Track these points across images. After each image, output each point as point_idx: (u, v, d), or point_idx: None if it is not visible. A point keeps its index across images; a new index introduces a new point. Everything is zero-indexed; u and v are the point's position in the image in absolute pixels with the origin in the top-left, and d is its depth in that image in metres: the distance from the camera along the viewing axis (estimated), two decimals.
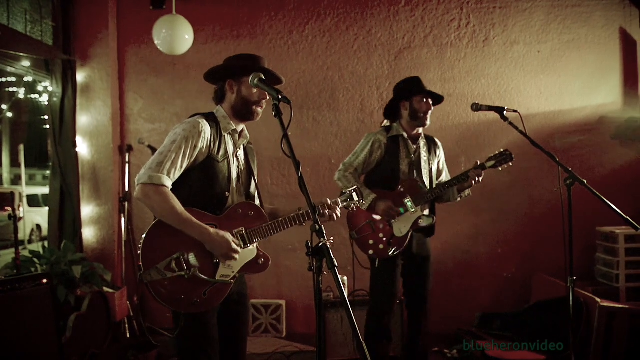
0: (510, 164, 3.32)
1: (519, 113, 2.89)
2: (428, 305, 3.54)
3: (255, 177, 2.54)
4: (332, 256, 1.60)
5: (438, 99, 3.46)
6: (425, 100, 3.39)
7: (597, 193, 2.56)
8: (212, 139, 2.29)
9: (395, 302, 3.49)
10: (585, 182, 2.61)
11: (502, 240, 4.88)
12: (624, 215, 2.51)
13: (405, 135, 3.43)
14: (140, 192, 2.15)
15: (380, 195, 3.33)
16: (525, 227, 4.85)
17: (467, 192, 3.47)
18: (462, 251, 4.88)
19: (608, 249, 4.41)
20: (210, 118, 2.36)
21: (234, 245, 2.22)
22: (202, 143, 2.25)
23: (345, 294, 1.55)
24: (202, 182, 2.28)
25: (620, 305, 3.68)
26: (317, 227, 1.69)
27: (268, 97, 2.36)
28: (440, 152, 3.65)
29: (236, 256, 2.24)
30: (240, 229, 2.32)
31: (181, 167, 2.21)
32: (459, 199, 3.49)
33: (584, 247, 4.52)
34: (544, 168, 4.75)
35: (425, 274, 3.52)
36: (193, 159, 2.25)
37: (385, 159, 3.42)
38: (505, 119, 2.91)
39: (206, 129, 2.27)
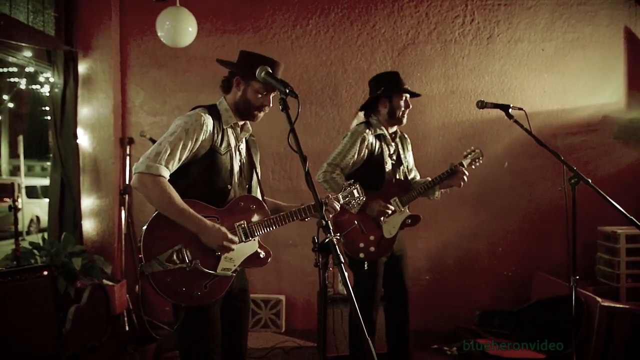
0: (481, 160, 3.40)
1: (524, 111, 2.88)
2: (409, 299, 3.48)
3: (258, 171, 2.53)
4: (339, 252, 1.59)
5: (415, 95, 3.41)
6: (404, 98, 3.33)
7: (602, 192, 2.55)
8: (215, 132, 2.28)
9: (379, 296, 3.38)
10: (590, 181, 2.60)
11: (502, 238, 4.87)
12: (629, 215, 2.50)
13: (386, 133, 3.36)
14: (137, 181, 2.14)
15: (369, 196, 3.18)
16: (526, 225, 4.85)
17: (446, 189, 3.44)
18: (463, 249, 4.88)
19: (609, 249, 4.41)
20: (213, 110, 2.34)
21: (230, 236, 2.20)
22: (204, 136, 2.23)
23: (351, 290, 1.54)
24: (205, 175, 2.27)
25: (620, 305, 3.68)
26: (324, 222, 1.66)
27: (271, 105, 2.35)
28: (410, 147, 3.60)
29: (233, 247, 2.21)
30: (242, 222, 2.30)
31: (180, 159, 2.19)
32: (438, 197, 3.46)
33: (585, 247, 4.51)
34: (546, 167, 4.75)
35: (404, 269, 3.45)
36: (194, 151, 2.23)
37: (371, 158, 3.30)
38: (510, 116, 2.89)
39: (208, 121, 2.25)
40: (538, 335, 3.87)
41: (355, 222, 3.24)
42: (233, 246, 2.21)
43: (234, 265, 2.28)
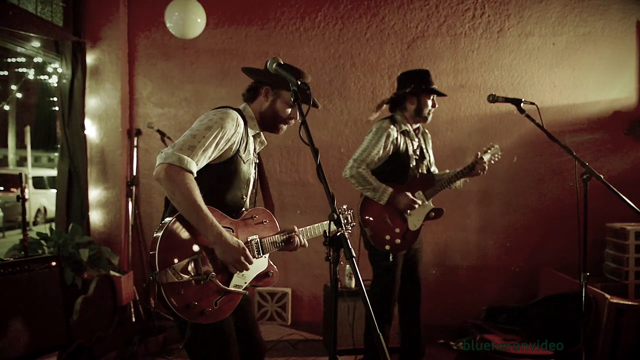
0: (499, 156, 3.52)
1: (536, 105, 2.84)
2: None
3: (267, 184, 2.44)
4: (350, 246, 1.57)
5: (442, 95, 3.46)
6: (432, 98, 3.38)
7: (614, 189, 2.51)
8: (242, 137, 2.14)
9: (398, 288, 3.45)
10: (602, 177, 2.56)
11: (510, 233, 4.85)
12: None
13: (410, 129, 3.41)
14: (163, 173, 1.88)
15: (395, 189, 3.29)
16: (535, 221, 4.82)
17: (466, 178, 3.50)
18: (470, 244, 4.86)
19: (618, 245, 4.37)
20: (240, 115, 2.17)
21: (248, 252, 2.03)
22: (235, 138, 2.09)
23: (362, 284, 1.52)
24: (225, 181, 2.13)
25: (629, 302, 3.64)
26: (335, 216, 1.63)
27: (298, 118, 2.23)
28: (430, 142, 3.67)
29: (249, 265, 2.05)
30: (255, 237, 2.19)
31: (209, 157, 2.00)
32: (460, 186, 3.54)
33: (593, 243, 4.47)
34: (555, 162, 4.71)
35: (419, 262, 3.53)
36: (221, 153, 2.06)
37: (396, 153, 3.35)
38: (522, 111, 2.85)
39: (241, 124, 2.12)
40: (545, 332, 3.85)
41: (382, 214, 3.31)
42: (249, 264, 2.05)
43: (245, 283, 2.14)
